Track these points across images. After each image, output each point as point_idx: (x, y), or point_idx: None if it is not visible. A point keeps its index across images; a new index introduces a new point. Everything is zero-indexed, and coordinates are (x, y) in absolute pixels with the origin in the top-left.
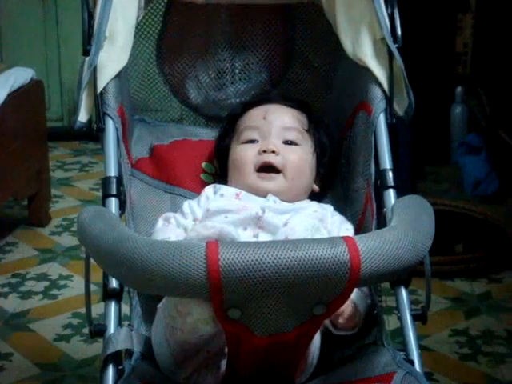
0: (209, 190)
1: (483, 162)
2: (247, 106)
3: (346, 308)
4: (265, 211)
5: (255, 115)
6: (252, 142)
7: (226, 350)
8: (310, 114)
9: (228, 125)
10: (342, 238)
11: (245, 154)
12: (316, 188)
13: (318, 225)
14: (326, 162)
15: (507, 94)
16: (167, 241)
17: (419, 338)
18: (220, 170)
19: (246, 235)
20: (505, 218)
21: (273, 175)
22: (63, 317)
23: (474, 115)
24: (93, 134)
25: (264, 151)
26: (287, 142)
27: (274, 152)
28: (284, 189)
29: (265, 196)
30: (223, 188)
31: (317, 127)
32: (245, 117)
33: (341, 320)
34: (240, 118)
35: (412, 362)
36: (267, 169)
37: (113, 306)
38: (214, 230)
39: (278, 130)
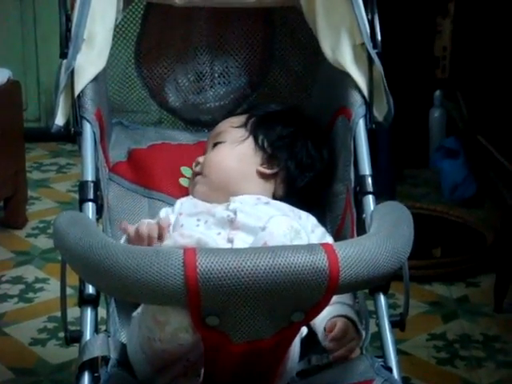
0: (183, 198)
1: (461, 165)
2: None
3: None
4: (236, 213)
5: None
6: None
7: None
8: (254, 111)
9: None
10: (321, 245)
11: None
12: (265, 170)
13: (297, 227)
14: (273, 140)
15: (485, 99)
16: (144, 247)
17: (397, 342)
18: None
19: (220, 239)
20: (482, 221)
21: (197, 178)
22: (39, 320)
23: (452, 119)
24: (70, 135)
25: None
26: (216, 145)
27: (199, 163)
28: (208, 184)
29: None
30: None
31: (259, 119)
32: None
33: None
34: None
35: (390, 369)
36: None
37: (89, 312)
38: (190, 240)
39: (210, 143)
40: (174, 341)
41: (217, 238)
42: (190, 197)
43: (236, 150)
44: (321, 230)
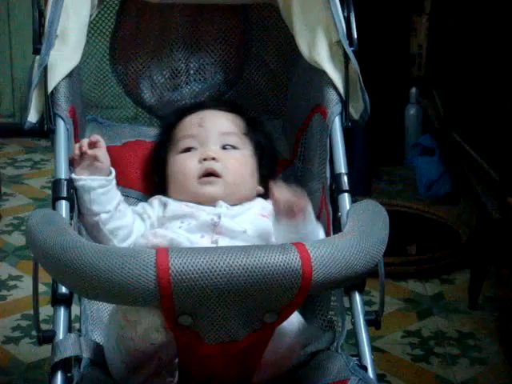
0: (155, 200)
1: (436, 163)
2: (181, 113)
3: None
4: (221, 217)
5: (190, 123)
6: (189, 150)
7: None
8: (245, 116)
9: (163, 135)
10: (294, 244)
11: (185, 164)
12: (260, 189)
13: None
14: (268, 163)
15: (461, 96)
16: (116, 247)
17: (372, 339)
18: (159, 182)
19: (203, 242)
20: (457, 218)
21: (214, 179)
22: (12, 318)
23: (428, 116)
24: (44, 131)
25: (204, 159)
26: (226, 147)
27: (214, 159)
28: (226, 193)
29: (213, 204)
30: (170, 200)
31: (254, 129)
32: (180, 125)
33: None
34: (175, 127)
35: (365, 368)
36: (208, 175)
37: (62, 311)
38: (162, 239)
39: (216, 136)
40: (145, 340)
41: (200, 241)
42: (169, 201)
43: (250, 163)
44: None
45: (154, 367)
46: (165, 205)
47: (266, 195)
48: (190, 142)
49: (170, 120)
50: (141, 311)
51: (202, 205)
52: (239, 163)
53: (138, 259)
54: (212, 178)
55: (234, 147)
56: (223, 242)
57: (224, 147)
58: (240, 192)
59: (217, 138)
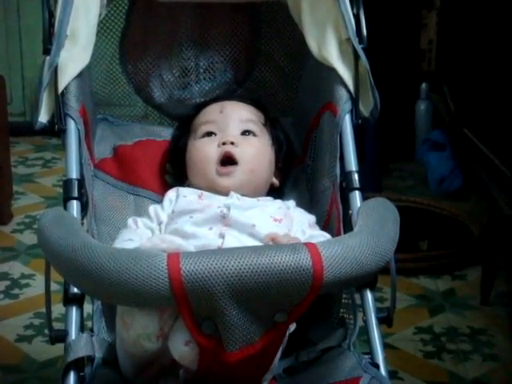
0: (171, 193)
1: (447, 158)
2: (201, 106)
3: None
4: (230, 209)
5: (211, 110)
6: (210, 135)
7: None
8: (265, 111)
9: (183, 126)
10: (305, 244)
11: (204, 149)
12: (276, 182)
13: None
14: (284, 156)
15: (471, 91)
16: (127, 249)
17: (384, 336)
18: (177, 173)
19: (211, 234)
20: (468, 214)
21: (231, 169)
22: (25, 317)
23: (438, 112)
24: (55, 131)
25: (223, 143)
26: (245, 133)
27: (232, 143)
28: (243, 182)
29: (226, 194)
30: (185, 190)
31: (273, 123)
32: (200, 114)
33: None
34: (195, 118)
35: (377, 366)
36: (227, 161)
37: (74, 311)
38: (170, 245)
39: (236, 122)
40: (136, 346)
41: (207, 234)
42: (183, 193)
43: (268, 152)
44: (300, 210)
45: (156, 371)
46: (176, 199)
47: (280, 189)
48: (210, 127)
49: (191, 112)
50: (134, 314)
51: (215, 194)
52: (257, 150)
53: (149, 260)
54: (230, 169)
55: (253, 134)
56: (231, 234)
57: (243, 133)
58: (256, 180)
59: (237, 124)
